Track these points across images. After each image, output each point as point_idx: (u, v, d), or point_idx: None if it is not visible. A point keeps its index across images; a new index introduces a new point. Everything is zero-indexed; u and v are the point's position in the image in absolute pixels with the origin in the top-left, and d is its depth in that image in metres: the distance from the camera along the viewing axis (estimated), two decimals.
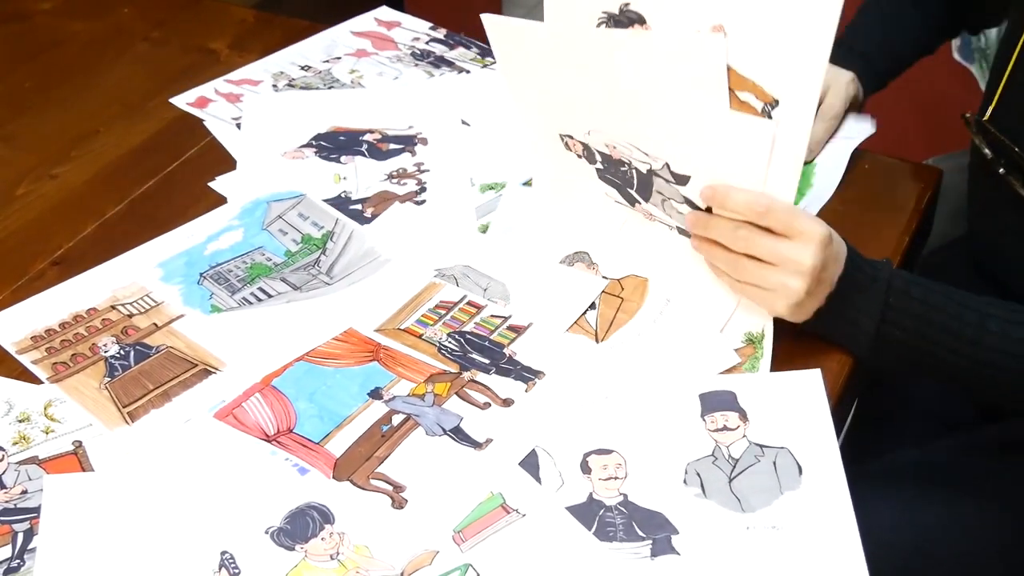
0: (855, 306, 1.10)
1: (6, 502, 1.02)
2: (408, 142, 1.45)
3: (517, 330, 1.17)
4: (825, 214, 1.29)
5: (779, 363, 1.12)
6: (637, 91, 1.11)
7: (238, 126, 1.49)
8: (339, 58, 1.63)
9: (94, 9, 1.76)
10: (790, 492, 1.00)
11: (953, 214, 1.55)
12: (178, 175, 1.42)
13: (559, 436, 1.05)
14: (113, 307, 1.21)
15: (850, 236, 1.13)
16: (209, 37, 1.69)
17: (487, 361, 1.13)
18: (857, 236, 1.22)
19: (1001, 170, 1.22)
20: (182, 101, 1.55)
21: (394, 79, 1.58)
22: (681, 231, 1.19)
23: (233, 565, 0.96)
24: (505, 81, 1.22)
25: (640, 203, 1.22)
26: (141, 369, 1.14)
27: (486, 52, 1.64)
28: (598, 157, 1.21)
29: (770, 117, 1.06)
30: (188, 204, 1.35)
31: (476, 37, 1.69)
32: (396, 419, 1.08)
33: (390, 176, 1.39)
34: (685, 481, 1.01)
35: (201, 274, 1.25)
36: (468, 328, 1.17)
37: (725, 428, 1.05)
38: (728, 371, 1.12)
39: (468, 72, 1.60)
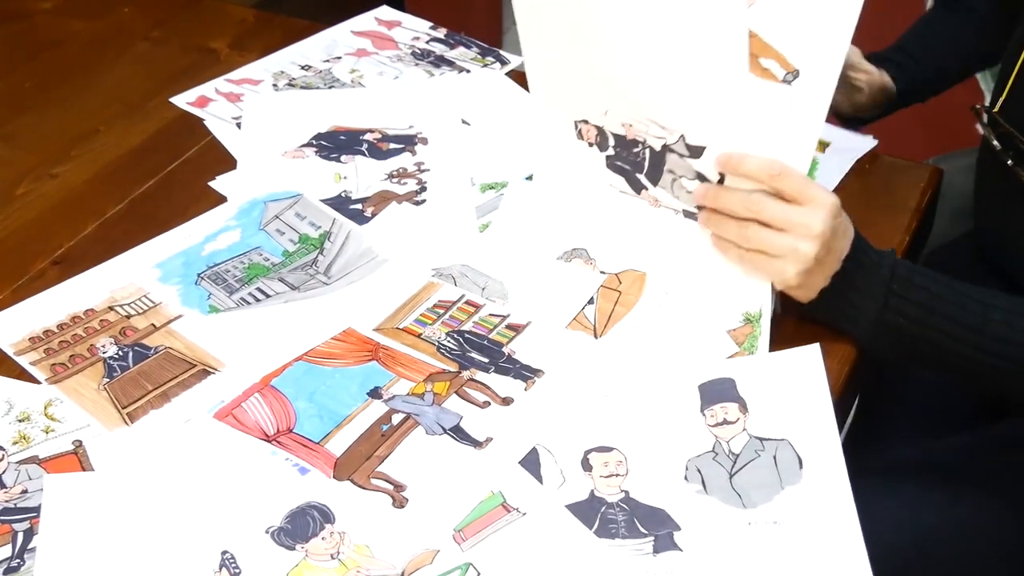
0: (858, 289, 1.10)
1: (6, 501, 1.02)
2: (408, 142, 1.45)
3: (516, 328, 1.17)
4: None
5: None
6: (659, 58, 1.12)
7: (238, 126, 1.49)
8: (339, 58, 1.63)
9: (94, 8, 1.76)
10: (791, 487, 1.00)
11: (954, 214, 1.55)
12: (178, 175, 1.42)
13: (559, 434, 1.05)
14: (111, 308, 1.21)
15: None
16: (209, 36, 1.69)
17: (486, 360, 1.13)
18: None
19: (1010, 161, 1.23)
20: (182, 100, 1.54)
21: (394, 79, 1.58)
22: (687, 214, 1.20)
23: (234, 565, 0.96)
24: (527, 66, 1.24)
25: (647, 188, 1.22)
26: (140, 370, 1.14)
27: (486, 52, 1.64)
28: (611, 141, 1.21)
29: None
30: (188, 204, 1.35)
31: (476, 37, 1.69)
32: (396, 418, 1.08)
33: (390, 176, 1.39)
34: (686, 477, 1.01)
35: (199, 274, 1.25)
36: (467, 327, 1.17)
37: (725, 422, 1.05)
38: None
39: (468, 72, 1.60)
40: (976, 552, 1.21)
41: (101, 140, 1.48)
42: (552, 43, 1.21)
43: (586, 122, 1.24)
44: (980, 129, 1.30)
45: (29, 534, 0.99)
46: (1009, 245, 1.32)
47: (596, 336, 1.15)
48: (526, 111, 1.50)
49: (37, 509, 1.00)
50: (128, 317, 1.20)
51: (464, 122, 1.49)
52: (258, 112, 1.50)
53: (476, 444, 1.05)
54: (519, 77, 1.57)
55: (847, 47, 1.06)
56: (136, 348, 1.16)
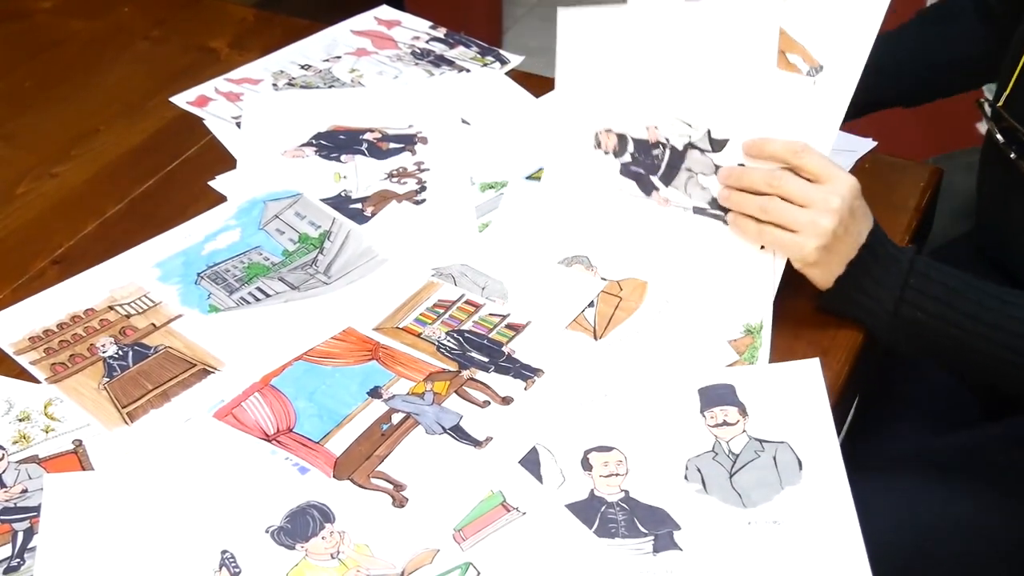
0: (875, 279, 1.12)
1: (6, 501, 1.02)
2: (408, 141, 1.45)
3: (516, 328, 1.17)
4: None
5: (778, 359, 1.13)
6: (695, 57, 1.19)
7: (238, 125, 1.49)
8: (339, 57, 1.63)
9: (94, 8, 1.76)
10: (791, 487, 1.00)
11: (954, 213, 1.55)
12: (178, 174, 1.42)
13: (559, 434, 1.05)
14: (111, 307, 1.21)
15: None
16: (209, 36, 1.69)
17: (486, 359, 1.13)
18: None
19: (1013, 155, 1.23)
20: (182, 100, 1.54)
21: (394, 78, 1.58)
22: (698, 210, 1.21)
23: (234, 564, 0.96)
24: (560, 77, 1.28)
25: (659, 189, 1.23)
26: (140, 369, 1.14)
27: (486, 51, 1.64)
28: (631, 147, 1.24)
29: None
30: (188, 203, 1.35)
31: (476, 36, 1.69)
32: (396, 418, 1.08)
33: (390, 175, 1.39)
34: (686, 477, 1.01)
35: (199, 274, 1.25)
36: (467, 326, 1.17)
37: (725, 423, 1.05)
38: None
39: (468, 71, 1.60)
40: (976, 551, 1.21)
41: (101, 139, 1.48)
42: (591, 56, 1.26)
43: (609, 131, 1.26)
44: (983, 123, 1.30)
45: (29, 533, 0.99)
46: (1012, 241, 1.32)
47: (596, 338, 1.15)
48: (526, 111, 1.51)
49: (37, 508, 1.00)
50: (128, 316, 1.20)
51: (464, 122, 1.49)
52: (258, 111, 1.50)
53: (476, 443, 1.05)
54: (519, 77, 1.57)
55: (871, 43, 1.12)
56: (136, 347, 1.16)
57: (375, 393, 1.10)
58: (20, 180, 1.41)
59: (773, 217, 1.13)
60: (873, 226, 1.14)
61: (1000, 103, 1.26)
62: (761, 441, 1.04)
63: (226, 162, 1.42)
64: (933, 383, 1.42)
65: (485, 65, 1.61)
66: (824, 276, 1.14)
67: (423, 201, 1.34)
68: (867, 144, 1.41)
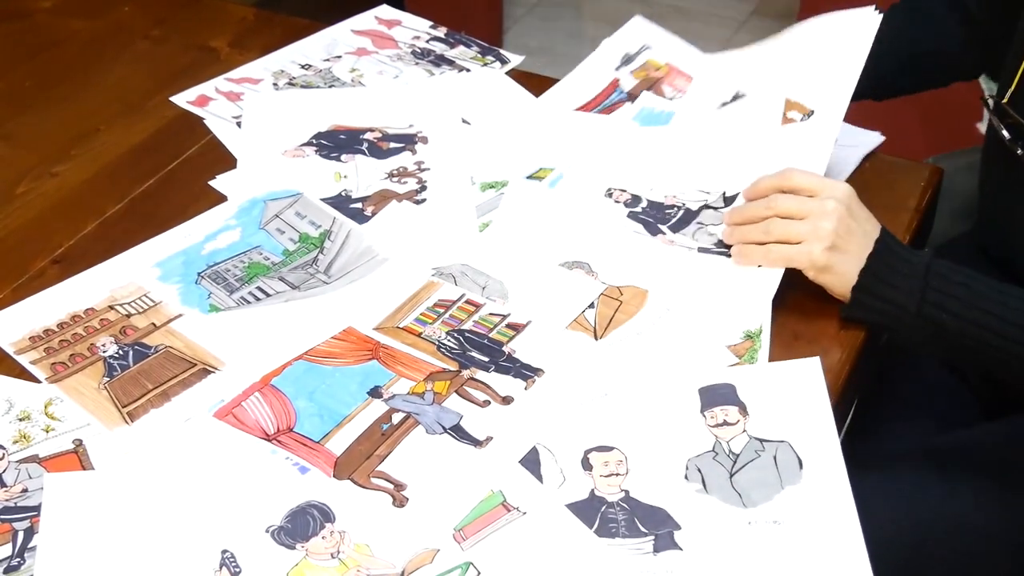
0: (893, 283, 1.13)
1: (6, 500, 1.02)
2: (408, 141, 1.45)
3: (516, 328, 1.17)
4: None
5: (778, 359, 1.13)
6: (713, 141, 1.36)
7: (238, 125, 1.49)
8: (339, 57, 1.63)
9: (94, 7, 1.76)
10: (791, 486, 1.00)
11: (954, 213, 1.55)
12: (178, 174, 1.42)
13: (559, 433, 1.05)
14: (111, 307, 1.21)
15: None
16: (209, 35, 1.69)
17: (486, 359, 1.13)
18: None
19: (1020, 151, 1.23)
20: (182, 99, 1.54)
21: (394, 78, 1.58)
22: (702, 250, 1.24)
23: (234, 564, 0.96)
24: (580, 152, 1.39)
25: (665, 234, 1.27)
26: (140, 369, 1.14)
27: (486, 51, 1.64)
28: (644, 203, 1.31)
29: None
30: (188, 203, 1.35)
31: (476, 36, 1.69)
32: (396, 417, 1.08)
33: (391, 175, 1.39)
34: (686, 477, 1.01)
35: (199, 273, 1.25)
36: (467, 326, 1.17)
37: (725, 423, 1.05)
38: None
39: (468, 71, 1.60)
40: (976, 549, 1.21)
41: (101, 139, 1.48)
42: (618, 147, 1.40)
43: (624, 191, 1.33)
44: (987, 120, 1.31)
45: (29, 533, 0.99)
46: (1015, 238, 1.32)
47: (596, 338, 1.15)
48: (526, 110, 1.51)
49: (37, 508, 1.00)
50: (128, 316, 1.20)
51: (464, 121, 1.49)
52: (258, 111, 1.50)
53: (476, 443, 1.05)
54: (519, 76, 1.57)
55: (852, 89, 1.30)
56: (136, 347, 1.16)
57: (375, 393, 1.10)
58: (20, 180, 1.41)
59: (775, 235, 1.17)
60: (881, 231, 1.15)
61: (1005, 99, 1.26)
62: (761, 441, 1.04)
63: (226, 162, 1.42)
64: (933, 382, 1.43)
65: (485, 65, 1.61)
66: (840, 282, 1.15)
67: (423, 201, 1.34)
68: (874, 138, 1.41)
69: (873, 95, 1.45)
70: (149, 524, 0.99)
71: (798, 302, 1.18)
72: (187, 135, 1.48)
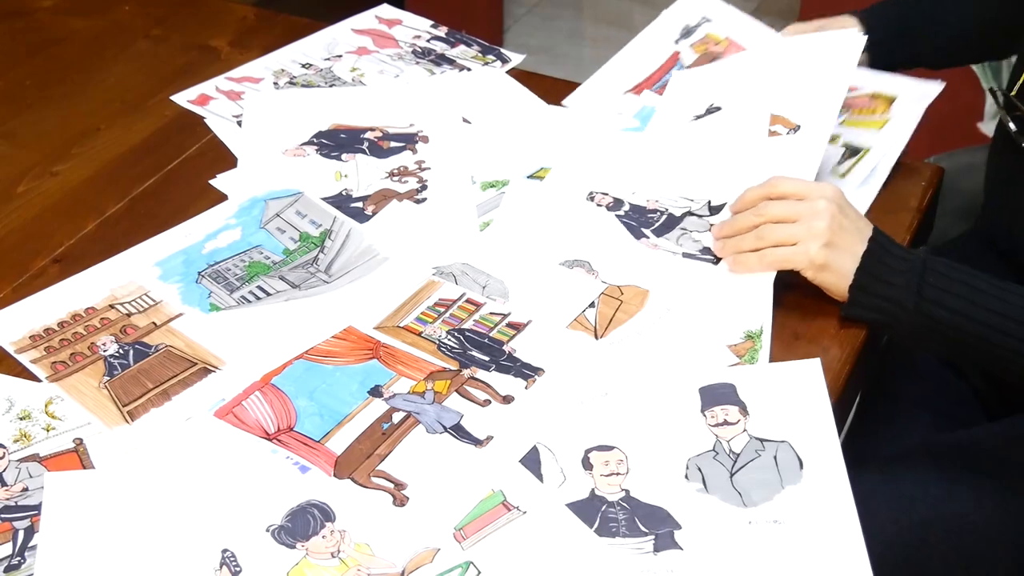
0: (889, 280, 1.13)
1: (7, 499, 1.02)
2: (409, 140, 1.45)
3: (516, 327, 1.17)
4: None
5: (779, 359, 1.13)
6: (698, 153, 1.36)
7: (239, 124, 1.49)
8: (340, 56, 1.63)
9: (95, 6, 1.76)
10: (791, 486, 1.00)
11: (955, 212, 1.55)
12: (179, 173, 1.42)
13: (560, 433, 1.05)
14: (111, 306, 1.21)
15: None
16: (210, 35, 1.69)
17: (487, 358, 1.13)
18: None
19: None
20: (183, 99, 1.54)
21: (395, 77, 1.58)
22: (687, 255, 1.25)
23: (234, 563, 0.96)
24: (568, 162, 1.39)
25: (649, 238, 1.27)
26: (140, 368, 1.14)
27: (487, 50, 1.64)
28: (627, 207, 1.31)
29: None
30: (189, 202, 1.35)
31: (477, 35, 1.69)
32: (396, 417, 1.08)
33: (391, 174, 1.39)
34: (687, 476, 1.01)
35: (199, 273, 1.25)
36: (467, 325, 1.17)
37: (725, 423, 1.05)
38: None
39: (469, 70, 1.60)
40: (976, 548, 1.21)
41: (102, 138, 1.48)
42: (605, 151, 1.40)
43: (606, 194, 1.33)
44: (984, 123, 1.31)
45: (30, 532, 0.99)
46: (1023, 230, 1.32)
47: (597, 337, 1.15)
48: (527, 109, 1.51)
49: (38, 507, 1.00)
50: (129, 315, 1.20)
51: (465, 120, 1.49)
52: (259, 110, 1.50)
53: (477, 442, 1.05)
54: (520, 75, 1.57)
55: (840, 104, 1.32)
56: (137, 346, 1.16)
57: (376, 392, 1.10)
58: (21, 179, 1.41)
59: (770, 240, 1.18)
60: (873, 229, 1.16)
61: (1014, 92, 1.27)
62: (762, 440, 1.04)
63: (227, 161, 1.42)
64: (934, 382, 1.43)
65: (486, 64, 1.61)
66: (838, 279, 1.15)
67: (424, 200, 1.34)
68: (934, 87, 1.43)
69: (933, 63, 1.46)
70: (150, 523, 0.99)
71: (798, 302, 1.18)
72: (188, 134, 1.48)
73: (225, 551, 0.96)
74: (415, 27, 1.71)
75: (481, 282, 1.22)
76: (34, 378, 1.13)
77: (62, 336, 1.17)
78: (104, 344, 1.16)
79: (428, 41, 1.67)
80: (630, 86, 1.52)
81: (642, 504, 0.99)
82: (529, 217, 1.31)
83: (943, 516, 1.21)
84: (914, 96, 1.42)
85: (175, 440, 1.06)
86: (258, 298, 1.22)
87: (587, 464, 1.03)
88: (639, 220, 1.30)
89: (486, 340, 1.15)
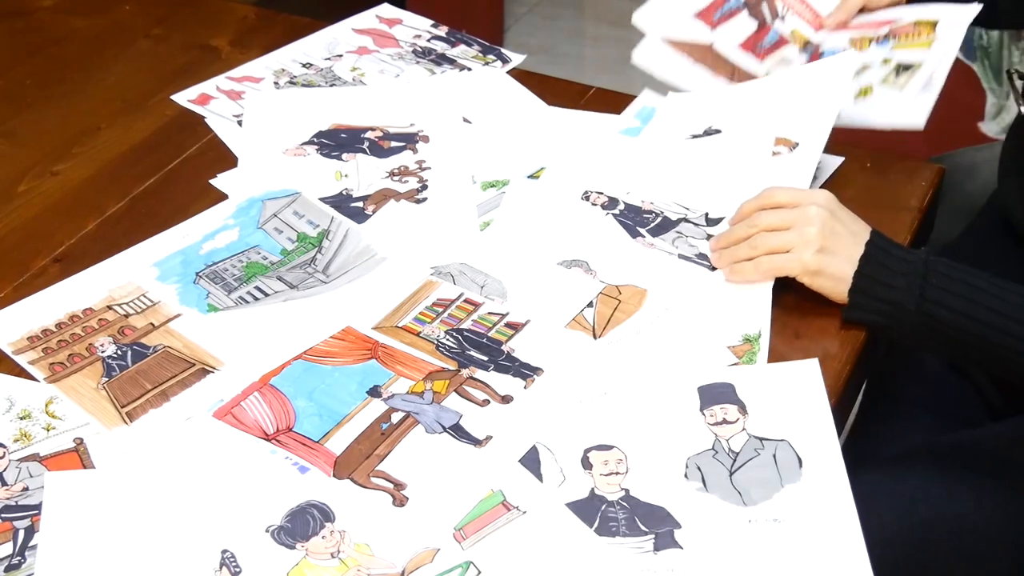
0: (889, 283, 1.13)
1: (7, 499, 1.02)
2: (410, 139, 1.45)
3: (515, 327, 1.17)
4: None
5: (779, 359, 1.13)
6: (701, 171, 1.37)
7: (239, 123, 1.49)
8: (340, 55, 1.63)
9: (95, 6, 1.76)
10: (791, 485, 1.00)
11: (955, 212, 1.55)
12: (179, 172, 1.42)
13: (559, 432, 1.05)
14: (109, 307, 1.21)
15: None
16: (210, 34, 1.69)
17: (485, 358, 1.13)
18: None
19: None
20: (183, 98, 1.54)
21: (395, 77, 1.58)
22: (682, 256, 1.25)
23: (234, 563, 0.96)
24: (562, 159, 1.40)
25: (645, 237, 1.27)
26: (139, 369, 1.14)
27: (488, 50, 1.64)
28: (621, 206, 1.32)
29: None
30: (189, 202, 1.35)
31: (477, 35, 1.69)
32: (395, 417, 1.08)
33: (391, 173, 1.39)
34: (686, 475, 1.01)
35: (197, 273, 1.25)
36: (466, 325, 1.17)
37: (724, 421, 1.05)
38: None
39: (470, 70, 1.60)
40: (977, 548, 1.21)
41: (102, 138, 1.48)
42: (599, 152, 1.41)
43: (600, 193, 1.33)
44: (985, 123, 1.31)
45: (30, 532, 0.99)
46: None
47: (595, 337, 1.15)
48: (528, 109, 1.51)
49: (38, 507, 1.00)
50: (127, 316, 1.20)
51: (465, 120, 1.49)
52: (259, 110, 1.50)
53: (476, 442, 1.05)
54: (520, 75, 1.57)
55: (833, 121, 1.35)
56: (135, 347, 1.16)
57: (374, 392, 1.10)
58: (21, 178, 1.41)
59: (763, 248, 1.18)
60: (871, 233, 1.16)
61: None
62: (761, 439, 1.04)
63: (227, 160, 1.42)
64: (935, 382, 1.42)
65: (486, 64, 1.61)
66: (834, 284, 1.16)
67: (424, 200, 1.34)
68: (973, 8, 1.45)
69: (986, 23, 1.47)
70: (150, 523, 0.99)
71: (798, 302, 1.18)
72: (188, 134, 1.48)
73: (225, 552, 0.96)
74: (415, 27, 1.71)
75: (479, 282, 1.22)
76: (33, 379, 1.13)
77: (60, 337, 1.17)
78: (102, 345, 1.16)
79: (428, 41, 1.67)
80: (698, 9, 1.54)
81: (642, 503, 0.99)
82: (526, 217, 1.31)
83: (944, 516, 1.20)
84: (955, 18, 1.46)
85: (174, 441, 1.06)
86: (256, 299, 1.22)
87: (586, 464, 1.03)
88: (634, 220, 1.30)
89: (485, 340, 1.15)
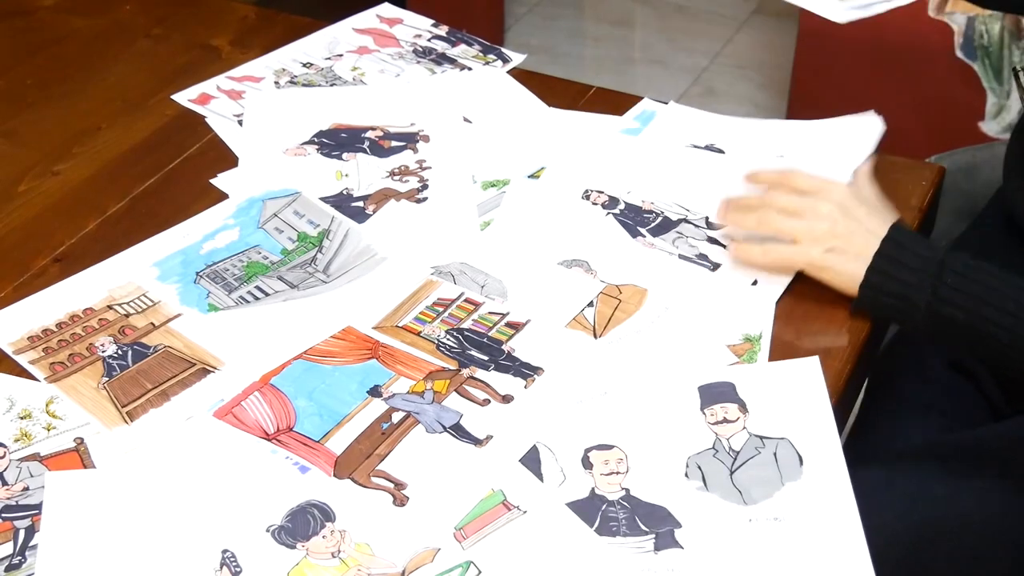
0: (903, 280, 1.13)
1: (7, 499, 1.02)
2: (410, 139, 1.45)
3: (515, 326, 1.17)
4: None
5: (779, 358, 1.13)
6: (703, 179, 1.35)
7: (240, 123, 1.49)
8: (341, 55, 1.63)
9: (96, 5, 1.76)
10: (791, 483, 1.00)
11: (955, 212, 1.55)
12: (180, 172, 1.42)
13: (559, 432, 1.05)
14: (110, 307, 1.21)
15: None
16: (211, 34, 1.69)
17: (486, 358, 1.13)
18: None
19: None
20: (184, 98, 1.54)
21: (396, 76, 1.58)
22: (683, 256, 1.25)
23: (234, 563, 0.96)
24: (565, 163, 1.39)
25: (645, 237, 1.28)
26: (139, 369, 1.14)
27: (488, 49, 1.64)
28: (622, 205, 1.32)
29: None
30: (190, 201, 1.35)
31: (478, 34, 1.69)
32: (396, 416, 1.08)
33: (392, 173, 1.39)
34: (687, 474, 1.01)
35: (197, 273, 1.25)
36: (466, 325, 1.17)
37: (725, 420, 1.05)
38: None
39: (470, 69, 1.60)
40: (978, 547, 1.21)
41: (102, 137, 1.48)
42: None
43: (601, 192, 1.33)
44: (986, 123, 1.31)
45: (30, 531, 0.99)
46: None
47: (596, 336, 1.15)
48: (528, 109, 1.50)
49: (38, 506, 1.00)
50: (127, 316, 1.20)
51: (466, 120, 1.49)
52: (259, 109, 1.50)
53: (476, 442, 1.05)
54: (521, 75, 1.57)
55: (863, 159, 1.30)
56: (135, 347, 1.16)
57: (375, 392, 1.10)
58: (21, 178, 1.41)
59: (769, 228, 1.19)
60: (891, 227, 1.16)
61: None
62: (761, 438, 1.04)
63: (228, 160, 1.42)
64: (939, 382, 1.42)
65: (487, 63, 1.61)
66: (841, 280, 1.16)
67: (425, 199, 1.34)
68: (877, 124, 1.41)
69: (981, 2, 1.46)
70: (150, 523, 0.99)
71: (799, 301, 1.18)
72: (188, 133, 1.48)
73: (225, 551, 0.96)
74: (416, 26, 1.71)
75: (480, 281, 1.22)
76: (34, 379, 1.13)
77: (60, 337, 1.17)
78: (102, 345, 1.16)
79: (429, 40, 1.67)
80: None
81: (642, 503, 0.99)
82: (527, 216, 1.31)
83: (946, 515, 1.20)
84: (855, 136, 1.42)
85: (175, 440, 1.06)
86: (256, 298, 1.22)
87: (587, 463, 1.03)
88: (635, 219, 1.30)
89: (485, 339, 1.15)
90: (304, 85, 1.56)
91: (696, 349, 1.14)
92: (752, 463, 1.02)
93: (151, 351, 1.16)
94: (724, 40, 3.45)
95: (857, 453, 1.04)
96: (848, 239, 1.15)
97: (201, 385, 1.12)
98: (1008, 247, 1.39)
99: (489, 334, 1.16)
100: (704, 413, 1.06)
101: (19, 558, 0.97)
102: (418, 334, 1.16)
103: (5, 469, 1.04)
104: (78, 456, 1.05)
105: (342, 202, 1.34)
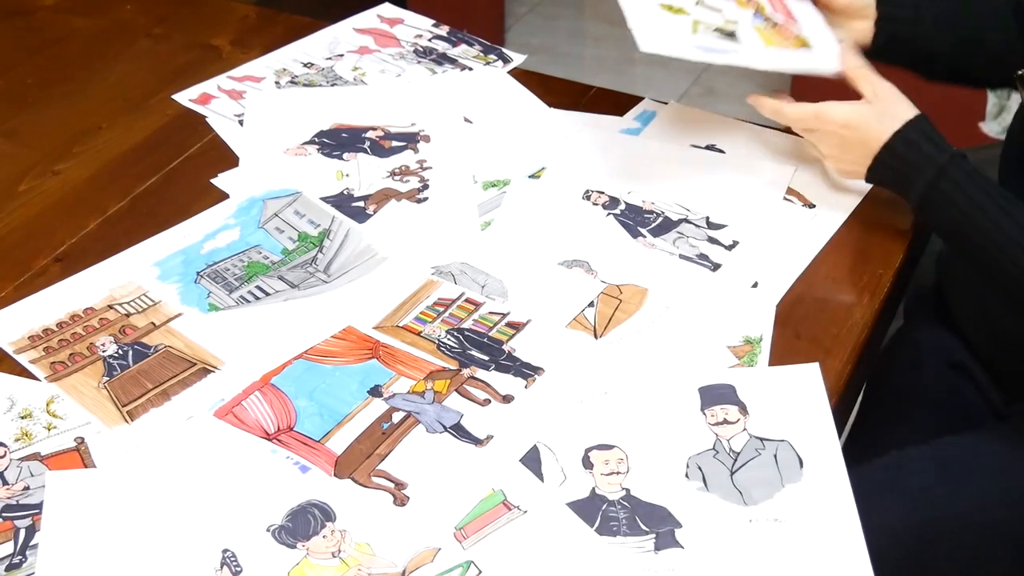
0: (912, 161, 1.21)
1: (8, 498, 1.02)
2: (411, 139, 1.45)
3: (516, 326, 1.17)
4: None
5: (779, 360, 1.13)
6: (704, 179, 1.37)
7: (240, 123, 1.49)
8: (342, 55, 1.63)
9: (96, 5, 1.76)
10: (791, 484, 1.00)
11: None
12: (180, 172, 1.42)
13: (560, 432, 1.05)
14: (110, 307, 1.21)
15: (851, 235, 1.22)
16: (211, 33, 1.69)
17: (486, 358, 1.13)
18: (858, 235, 1.23)
19: None
20: (184, 98, 1.54)
21: (397, 76, 1.58)
22: (683, 257, 1.25)
23: (235, 563, 0.96)
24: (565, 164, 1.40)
25: (646, 238, 1.28)
26: (140, 368, 1.14)
27: (489, 49, 1.64)
28: (622, 206, 1.32)
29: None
30: (190, 201, 1.35)
31: (478, 34, 1.69)
32: (396, 416, 1.08)
33: (393, 173, 1.39)
34: (687, 475, 1.01)
35: (198, 273, 1.25)
36: (467, 325, 1.17)
37: (725, 422, 1.05)
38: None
39: (471, 69, 1.60)
40: (978, 548, 1.21)
41: (103, 137, 1.48)
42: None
43: (601, 193, 1.33)
44: (986, 123, 1.31)
45: (31, 531, 0.99)
46: None
47: (596, 336, 1.15)
48: (528, 109, 1.51)
49: (39, 506, 1.01)
50: (128, 315, 1.20)
51: (466, 120, 1.49)
52: (260, 109, 1.50)
53: (477, 442, 1.05)
54: (521, 75, 1.57)
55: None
56: (136, 347, 1.16)
57: (375, 392, 1.10)
58: (22, 177, 1.41)
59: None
60: (903, 126, 1.23)
61: None
62: (762, 439, 1.04)
63: (228, 160, 1.42)
64: (937, 381, 1.42)
65: (487, 63, 1.61)
66: (851, 168, 1.28)
67: (425, 199, 1.34)
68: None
69: (924, 72, 1.47)
70: (151, 522, 0.99)
71: (799, 303, 1.18)
72: (189, 133, 1.48)
73: (226, 551, 0.96)
74: (417, 26, 1.71)
75: (480, 281, 1.22)
76: (34, 378, 1.13)
77: (61, 336, 1.17)
78: (103, 344, 1.16)
79: (430, 40, 1.67)
80: None
81: (643, 503, 0.99)
82: (527, 217, 1.31)
83: (946, 516, 1.21)
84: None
85: (176, 440, 1.06)
86: (257, 298, 1.22)
87: (587, 463, 1.03)
88: (635, 220, 1.30)
89: (485, 339, 1.15)
90: (305, 85, 1.57)
91: (696, 350, 1.14)
92: (752, 464, 1.02)
93: (152, 351, 1.16)
94: None
95: (857, 453, 1.04)
96: (848, 149, 1.26)
97: (202, 385, 1.12)
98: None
99: (490, 334, 1.16)
100: (704, 414, 1.06)
101: (19, 557, 0.97)
102: (419, 334, 1.16)
103: (6, 468, 1.04)
104: (79, 455, 1.05)
105: (343, 202, 1.34)
